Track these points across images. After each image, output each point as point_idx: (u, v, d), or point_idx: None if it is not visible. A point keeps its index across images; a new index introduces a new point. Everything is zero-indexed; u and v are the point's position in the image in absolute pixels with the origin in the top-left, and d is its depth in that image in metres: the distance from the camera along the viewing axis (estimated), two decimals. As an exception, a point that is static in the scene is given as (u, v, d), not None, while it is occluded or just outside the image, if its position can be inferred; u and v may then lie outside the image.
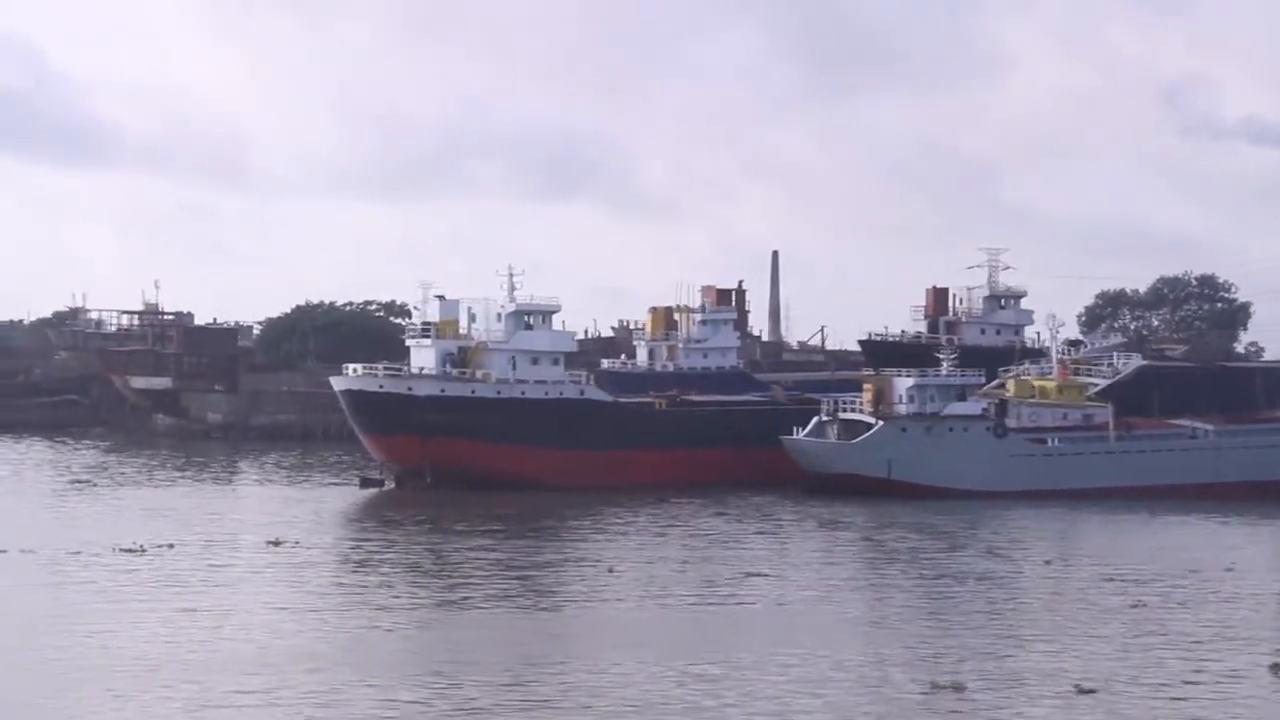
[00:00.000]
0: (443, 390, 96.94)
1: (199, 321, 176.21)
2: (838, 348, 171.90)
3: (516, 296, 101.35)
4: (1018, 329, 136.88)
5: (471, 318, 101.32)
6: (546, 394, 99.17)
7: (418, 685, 40.89)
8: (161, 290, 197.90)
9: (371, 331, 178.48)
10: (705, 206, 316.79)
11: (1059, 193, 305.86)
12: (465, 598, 55.43)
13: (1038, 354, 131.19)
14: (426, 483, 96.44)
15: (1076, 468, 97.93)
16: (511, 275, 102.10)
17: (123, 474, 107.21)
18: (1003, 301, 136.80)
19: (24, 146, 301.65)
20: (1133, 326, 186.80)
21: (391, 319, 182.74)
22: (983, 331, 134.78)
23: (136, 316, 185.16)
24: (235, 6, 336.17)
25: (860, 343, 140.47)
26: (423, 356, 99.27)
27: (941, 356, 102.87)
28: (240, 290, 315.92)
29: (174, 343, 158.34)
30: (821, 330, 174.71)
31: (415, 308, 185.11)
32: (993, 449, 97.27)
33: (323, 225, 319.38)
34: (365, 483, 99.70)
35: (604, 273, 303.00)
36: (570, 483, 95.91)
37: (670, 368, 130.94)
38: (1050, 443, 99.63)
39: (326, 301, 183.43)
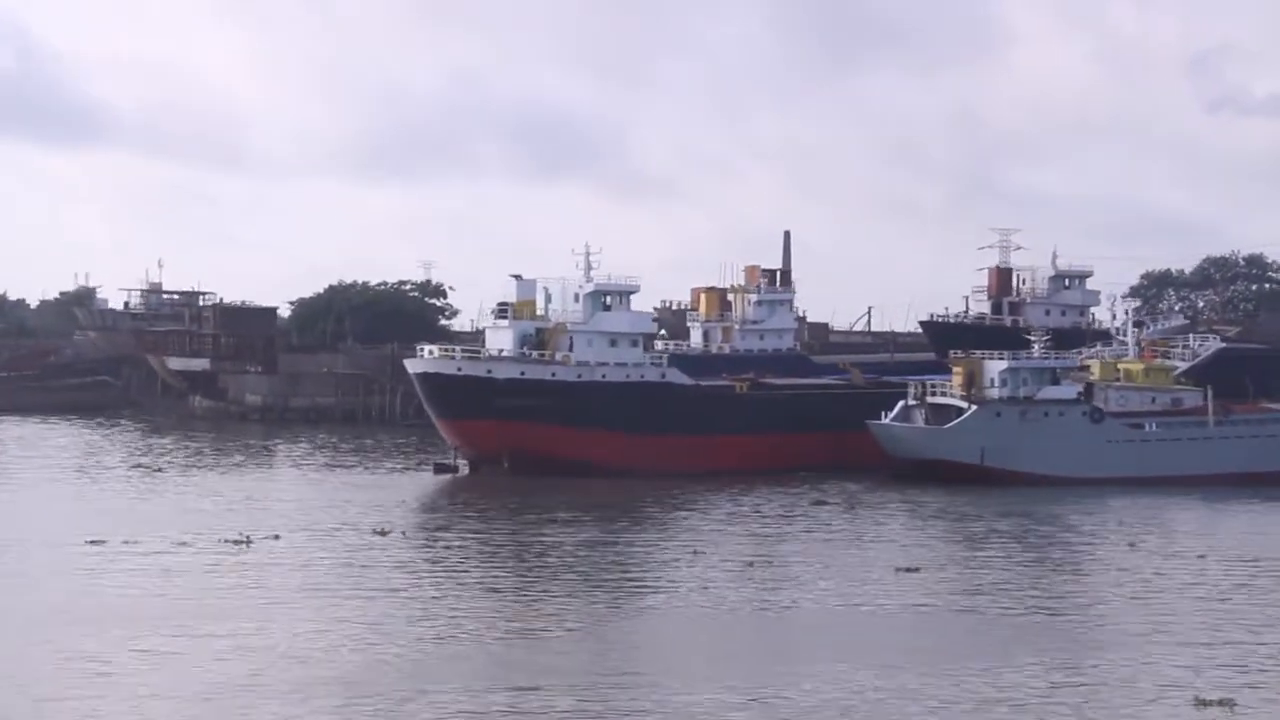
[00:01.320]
0: (522, 373, 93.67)
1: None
2: (885, 329, 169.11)
3: (594, 276, 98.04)
4: (1083, 310, 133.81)
5: (548, 298, 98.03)
6: (627, 377, 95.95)
7: (652, 690, 37.82)
8: (165, 269, 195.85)
9: (407, 311, 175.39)
10: (706, 187, 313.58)
11: (1063, 173, 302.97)
12: (628, 594, 52.27)
13: (1104, 335, 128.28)
14: (504, 468, 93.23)
15: (1176, 454, 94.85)
16: (588, 254, 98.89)
17: (181, 458, 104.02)
18: (1067, 281, 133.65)
19: (15, 126, 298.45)
20: (1177, 308, 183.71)
21: (427, 299, 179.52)
22: (1047, 312, 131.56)
23: (163, 296, 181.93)
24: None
25: (921, 324, 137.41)
26: (500, 338, 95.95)
27: (1033, 338, 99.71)
28: (236, 270, 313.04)
29: (210, 323, 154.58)
30: (869, 311, 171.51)
31: (450, 287, 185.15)
32: (1089, 435, 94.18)
33: (319, 205, 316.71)
34: (439, 468, 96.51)
35: (605, 253, 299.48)
36: (650, 469, 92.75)
37: (726, 349, 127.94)
38: (1148, 428, 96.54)
39: (360, 281, 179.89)
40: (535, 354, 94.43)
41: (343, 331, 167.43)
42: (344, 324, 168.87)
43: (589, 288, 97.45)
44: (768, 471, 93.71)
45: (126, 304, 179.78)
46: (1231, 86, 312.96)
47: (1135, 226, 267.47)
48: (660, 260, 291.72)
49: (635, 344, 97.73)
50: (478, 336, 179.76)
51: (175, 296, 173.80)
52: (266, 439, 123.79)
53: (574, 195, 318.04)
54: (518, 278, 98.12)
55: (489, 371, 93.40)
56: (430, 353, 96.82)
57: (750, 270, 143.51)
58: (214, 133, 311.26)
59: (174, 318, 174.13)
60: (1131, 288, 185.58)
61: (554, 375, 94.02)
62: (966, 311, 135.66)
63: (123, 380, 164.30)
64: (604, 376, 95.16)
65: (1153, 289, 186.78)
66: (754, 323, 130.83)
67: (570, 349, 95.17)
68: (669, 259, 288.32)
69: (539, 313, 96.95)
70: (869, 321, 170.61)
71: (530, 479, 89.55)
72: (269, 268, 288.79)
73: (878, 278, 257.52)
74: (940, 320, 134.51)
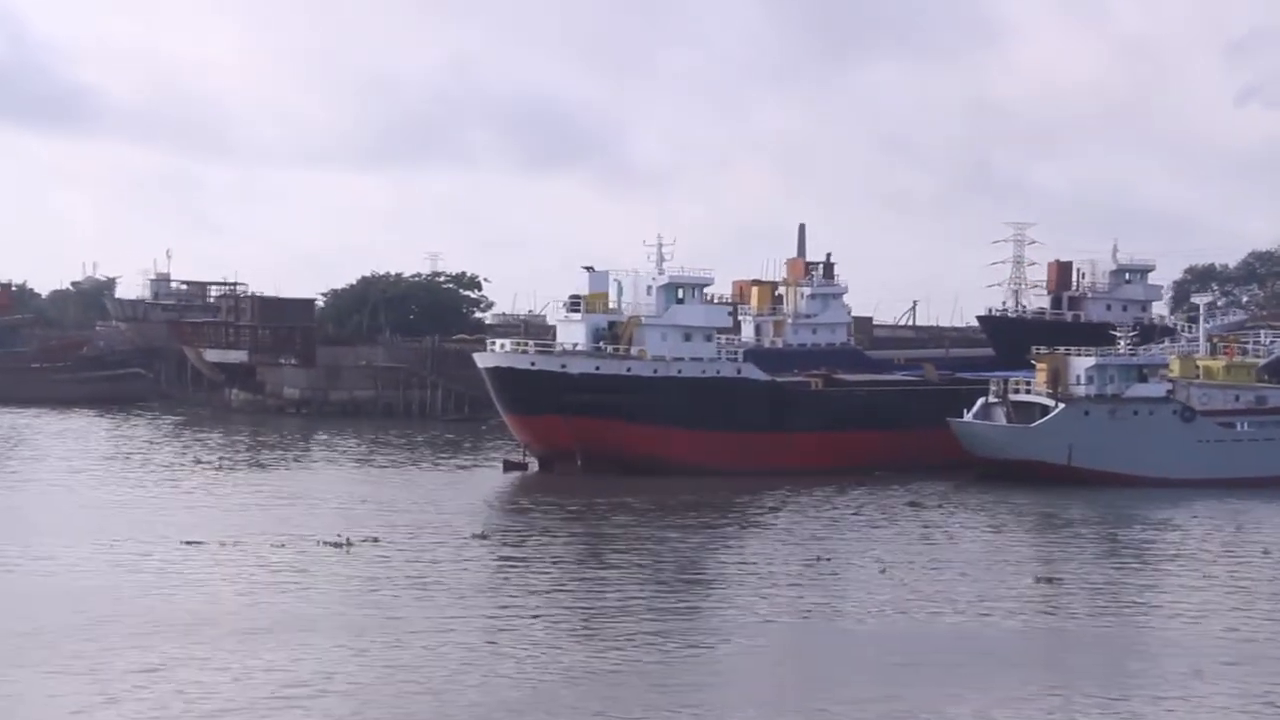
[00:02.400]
0: (597, 368, 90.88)
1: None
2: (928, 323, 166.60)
3: (666, 268, 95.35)
4: (1145, 305, 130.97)
5: (619, 291, 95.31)
6: (703, 372, 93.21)
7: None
8: (161, 258, 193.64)
9: (443, 304, 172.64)
10: (699, 178, 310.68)
11: (1056, 166, 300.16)
12: (790, 607, 49.63)
13: (1169, 331, 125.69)
14: (576, 466, 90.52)
15: (1271, 454, 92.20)
16: (661, 245, 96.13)
17: (239, 454, 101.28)
18: (1128, 276, 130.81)
19: (5, 112, 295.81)
20: (1220, 303, 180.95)
21: (461, 290, 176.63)
22: (1109, 307, 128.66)
23: (190, 286, 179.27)
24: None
25: (980, 319, 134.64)
26: (572, 332, 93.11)
27: (1119, 334, 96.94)
28: (227, 259, 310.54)
29: (248, 314, 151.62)
30: (913, 306, 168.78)
31: (486, 279, 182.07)
32: (1181, 434, 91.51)
33: (310, 194, 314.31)
34: (508, 466, 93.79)
35: (594, 244, 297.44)
36: (724, 467, 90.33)
37: (779, 344, 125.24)
38: (1240, 427, 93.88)
39: (393, 272, 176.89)
40: (610, 349, 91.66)
41: (378, 324, 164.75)
42: (379, 316, 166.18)
43: (662, 280, 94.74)
44: (844, 470, 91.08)
45: (155, 294, 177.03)
46: (1256, 77, 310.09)
47: (1137, 221, 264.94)
48: (652, 250, 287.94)
49: (709, 338, 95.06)
50: (510, 328, 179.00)
51: (211, 288, 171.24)
52: (310, 433, 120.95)
53: (567, 186, 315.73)
54: (590, 269, 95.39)
55: (563, 366, 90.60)
56: (502, 346, 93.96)
57: (793, 263, 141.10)
58: (202, 121, 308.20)
59: (206, 308, 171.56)
60: (1174, 283, 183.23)
61: (629, 370, 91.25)
62: (1018, 306, 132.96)
63: (154, 372, 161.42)
64: (679, 372, 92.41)
65: (1195, 284, 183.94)
66: (807, 316, 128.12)
67: (644, 343, 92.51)
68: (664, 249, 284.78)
69: (610, 306, 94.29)
70: (913, 316, 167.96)
71: (606, 477, 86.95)
72: (255, 255, 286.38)
73: (877, 272, 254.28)
74: (999, 315, 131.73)
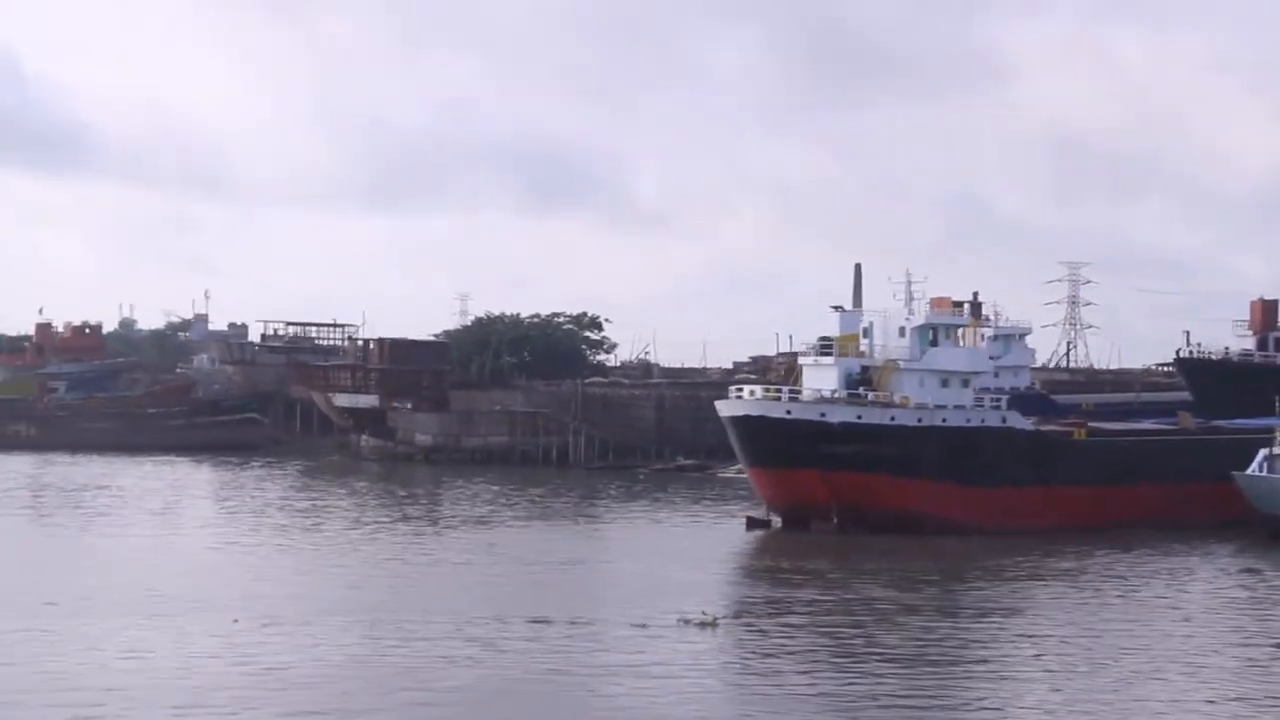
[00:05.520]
0: (859, 416, 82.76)
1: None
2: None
3: (916, 308, 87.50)
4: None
5: (865, 332, 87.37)
6: (968, 421, 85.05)
7: None
8: (211, 301, 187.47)
9: (560, 346, 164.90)
10: (697, 219, 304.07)
11: (1054, 207, 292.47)
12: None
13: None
14: (832, 524, 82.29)
15: None
16: (909, 283, 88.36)
17: (444, 510, 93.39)
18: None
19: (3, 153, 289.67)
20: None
21: (581, 331, 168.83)
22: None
23: (298, 328, 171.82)
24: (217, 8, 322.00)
25: (1176, 362, 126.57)
26: (822, 377, 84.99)
27: None
28: (225, 301, 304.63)
29: (377, 356, 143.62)
30: (1068, 346, 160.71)
31: (607, 319, 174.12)
32: None
33: (307, 235, 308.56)
34: (752, 523, 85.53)
35: (592, 286, 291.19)
36: (987, 525, 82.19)
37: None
38: None
39: (509, 313, 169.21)
40: (871, 396, 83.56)
41: (499, 366, 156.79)
42: (501, 359, 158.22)
43: (916, 321, 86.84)
44: (1110, 528, 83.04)
45: (264, 336, 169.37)
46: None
47: (1133, 260, 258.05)
48: (651, 294, 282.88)
49: (965, 384, 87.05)
50: (628, 370, 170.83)
51: (331, 330, 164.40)
52: (466, 482, 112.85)
53: (566, 227, 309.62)
54: (839, 309, 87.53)
55: (822, 415, 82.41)
56: (751, 393, 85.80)
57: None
58: (200, 162, 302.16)
59: (315, 351, 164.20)
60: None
61: (893, 419, 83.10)
62: (1226, 349, 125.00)
63: (270, 418, 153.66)
64: (944, 421, 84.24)
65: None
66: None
67: (900, 389, 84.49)
68: (661, 293, 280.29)
69: (861, 350, 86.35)
70: (1068, 357, 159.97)
71: (870, 537, 78.89)
72: (252, 297, 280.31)
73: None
74: (1198, 357, 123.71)
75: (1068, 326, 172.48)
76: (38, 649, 44.86)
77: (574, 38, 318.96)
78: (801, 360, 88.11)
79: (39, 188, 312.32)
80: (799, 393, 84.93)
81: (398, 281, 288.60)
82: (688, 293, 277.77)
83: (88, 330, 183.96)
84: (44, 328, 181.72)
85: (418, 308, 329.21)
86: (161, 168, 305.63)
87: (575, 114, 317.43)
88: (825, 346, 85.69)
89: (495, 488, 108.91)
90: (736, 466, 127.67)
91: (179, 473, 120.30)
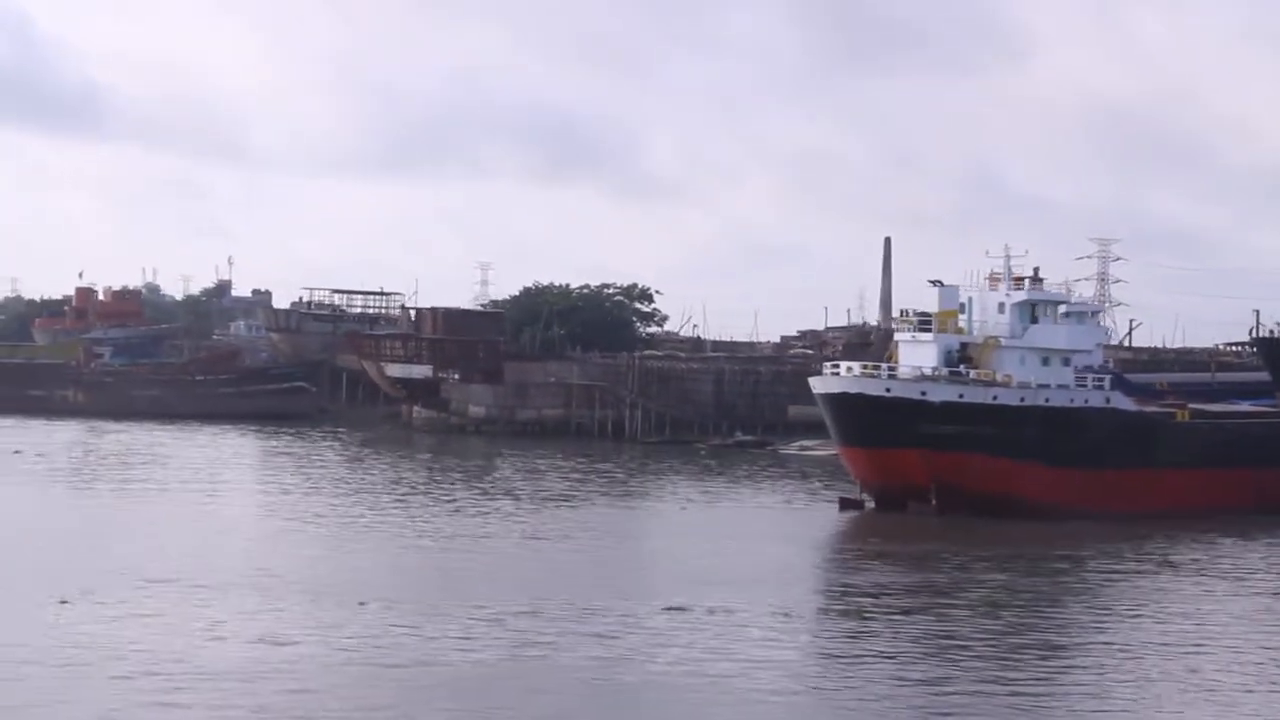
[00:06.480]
0: (960, 395, 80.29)
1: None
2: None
3: (1026, 283, 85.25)
4: None
5: (961, 308, 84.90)
6: (1071, 401, 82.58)
7: None
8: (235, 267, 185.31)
9: (610, 318, 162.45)
10: (710, 190, 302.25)
11: (1067, 181, 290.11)
12: None
13: None
14: (931, 505, 79.94)
15: None
16: (1009, 256, 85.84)
17: (512, 483, 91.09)
18: None
19: (15, 116, 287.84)
20: None
21: (632, 303, 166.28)
22: None
23: (343, 296, 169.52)
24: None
25: (1256, 341, 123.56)
26: (920, 354, 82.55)
27: None
28: (243, 267, 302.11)
29: (430, 326, 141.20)
30: (1130, 325, 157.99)
31: (657, 291, 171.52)
32: None
33: (321, 201, 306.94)
34: (845, 504, 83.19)
35: (606, 256, 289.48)
36: (1089, 509, 79.63)
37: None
38: None
39: (558, 283, 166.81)
40: (973, 374, 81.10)
41: (551, 338, 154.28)
42: (552, 330, 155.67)
43: (1017, 296, 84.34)
44: (1215, 512, 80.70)
45: (308, 304, 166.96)
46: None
47: (1147, 235, 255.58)
48: (666, 265, 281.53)
49: (1066, 362, 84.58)
50: (676, 344, 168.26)
51: (356, 298, 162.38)
52: (545, 456, 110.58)
53: (580, 197, 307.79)
54: (937, 283, 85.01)
55: (923, 394, 79.95)
56: (848, 370, 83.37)
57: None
58: (214, 128, 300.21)
59: (362, 319, 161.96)
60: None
61: (995, 398, 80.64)
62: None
63: (319, 387, 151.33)
64: (1047, 400, 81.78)
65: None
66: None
67: (1000, 367, 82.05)
68: (675, 264, 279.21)
69: (959, 325, 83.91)
70: (1129, 336, 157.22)
71: (972, 519, 76.59)
72: (265, 264, 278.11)
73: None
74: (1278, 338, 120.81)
75: (1098, 304, 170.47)
76: (168, 632, 42.56)
77: (592, 6, 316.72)
78: (898, 336, 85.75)
79: (51, 150, 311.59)
80: (890, 370, 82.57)
81: (413, 248, 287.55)
82: (701, 264, 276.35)
83: (126, 295, 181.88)
84: (84, 291, 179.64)
85: (435, 277, 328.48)
86: (177, 132, 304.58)
87: (592, 83, 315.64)
88: (924, 322, 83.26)
89: (562, 462, 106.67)
90: (799, 442, 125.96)
91: (239, 443, 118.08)
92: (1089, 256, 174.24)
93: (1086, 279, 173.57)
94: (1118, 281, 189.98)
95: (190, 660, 39.12)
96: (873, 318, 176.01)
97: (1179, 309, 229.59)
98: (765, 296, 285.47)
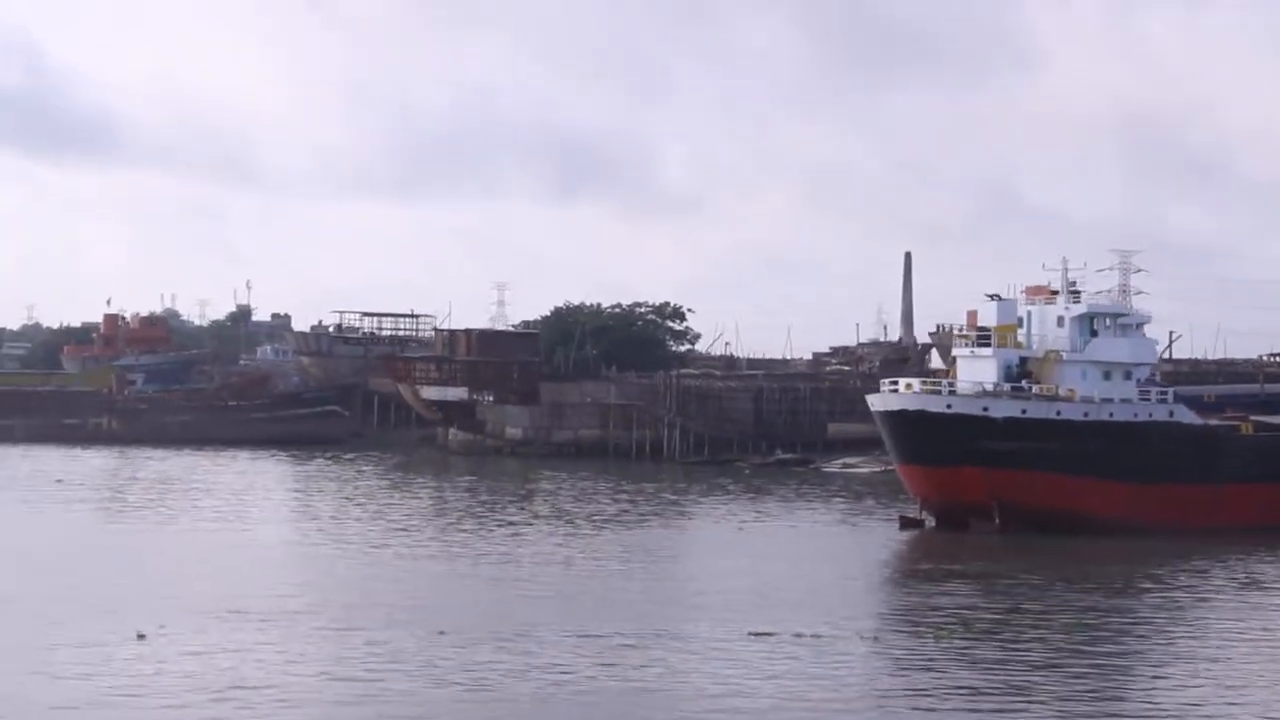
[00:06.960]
0: (1024, 411, 78.90)
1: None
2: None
3: (1081, 296, 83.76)
4: None
5: (1020, 321, 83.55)
6: (1135, 416, 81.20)
7: None
8: (253, 291, 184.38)
9: (643, 337, 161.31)
10: (724, 204, 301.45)
11: (1083, 193, 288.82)
12: None
13: None
14: (994, 524, 78.52)
15: None
16: (1066, 269, 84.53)
17: (560, 505, 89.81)
18: None
19: (27, 143, 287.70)
20: None
21: (664, 322, 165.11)
22: None
23: (373, 319, 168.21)
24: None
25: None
26: (979, 369, 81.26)
27: None
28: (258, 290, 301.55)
29: (465, 348, 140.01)
30: (1170, 337, 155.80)
31: (690, 309, 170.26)
32: None
33: (335, 223, 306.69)
34: (905, 523, 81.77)
35: (622, 272, 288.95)
36: (1152, 525, 78.29)
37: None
38: None
39: (585, 302, 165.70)
40: (1037, 389, 79.69)
41: (584, 358, 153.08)
42: (585, 349, 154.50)
43: (1077, 310, 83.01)
44: (1271, 528, 79.39)
45: (337, 327, 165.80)
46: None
47: (1167, 247, 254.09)
48: (682, 281, 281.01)
49: (1128, 376, 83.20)
50: (709, 363, 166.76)
51: (407, 321, 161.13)
52: (589, 478, 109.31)
53: (595, 214, 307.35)
54: (995, 297, 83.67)
55: (985, 410, 78.57)
56: (907, 386, 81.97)
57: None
58: (229, 150, 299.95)
59: (394, 342, 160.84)
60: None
61: (1059, 414, 79.25)
62: None
63: (351, 410, 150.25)
64: (1111, 415, 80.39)
65: None
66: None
67: (1062, 382, 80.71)
68: (691, 279, 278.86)
69: (1019, 340, 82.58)
70: (1169, 348, 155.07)
71: (1038, 538, 75.29)
72: (280, 286, 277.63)
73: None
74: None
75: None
76: (246, 663, 41.26)
77: (603, 21, 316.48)
78: (956, 351, 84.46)
79: (64, 178, 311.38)
80: (945, 386, 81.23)
81: (429, 269, 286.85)
82: (714, 278, 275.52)
83: (154, 320, 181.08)
84: (111, 318, 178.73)
85: (451, 296, 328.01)
86: (190, 157, 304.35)
87: (605, 99, 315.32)
88: (983, 337, 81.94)
89: (605, 484, 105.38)
90: (841, 460, 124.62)
91: (277, 468, 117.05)
92: (1110, 268, 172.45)
93: (1107, 290, 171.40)
94: (1139, 293, 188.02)
95: (287, 691, 37.91)
96: (894, 332, 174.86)
97: (1196, 320, 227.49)
98: (786, 311, 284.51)
